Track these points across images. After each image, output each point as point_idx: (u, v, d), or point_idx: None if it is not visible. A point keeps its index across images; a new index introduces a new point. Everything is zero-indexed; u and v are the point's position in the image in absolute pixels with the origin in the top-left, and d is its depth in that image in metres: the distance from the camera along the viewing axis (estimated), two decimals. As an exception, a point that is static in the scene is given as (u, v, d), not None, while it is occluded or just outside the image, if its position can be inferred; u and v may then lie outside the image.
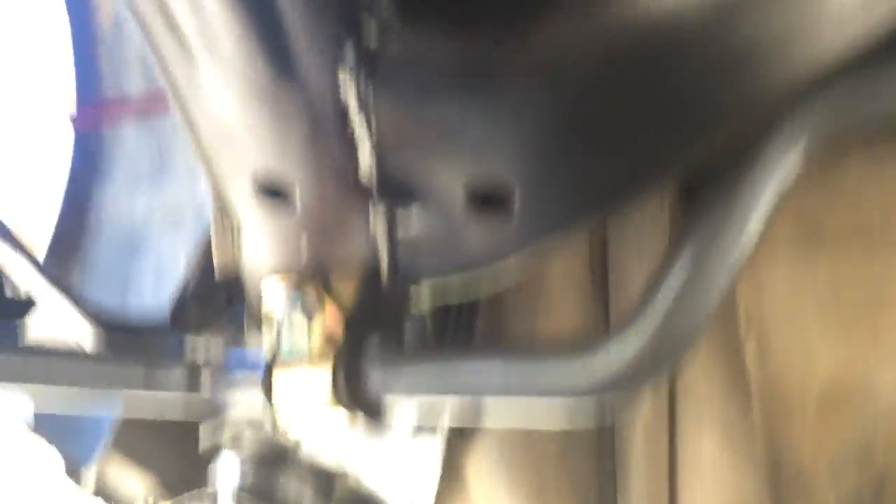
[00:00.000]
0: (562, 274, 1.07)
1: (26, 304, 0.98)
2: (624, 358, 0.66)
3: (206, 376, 0.89)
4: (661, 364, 0.66)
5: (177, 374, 0.90)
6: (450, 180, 0.65)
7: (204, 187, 1.85)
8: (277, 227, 0.76)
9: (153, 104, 1.76)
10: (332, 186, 0.69)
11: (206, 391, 0.90)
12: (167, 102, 1.57)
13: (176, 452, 1.39)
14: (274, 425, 0.85)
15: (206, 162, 0.76)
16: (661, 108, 0.58)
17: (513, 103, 0.58)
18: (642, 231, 1.00)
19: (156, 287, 1.85)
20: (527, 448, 1.00)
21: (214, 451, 1.20)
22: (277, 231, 0.77)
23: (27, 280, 0.97)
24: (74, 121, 1.89)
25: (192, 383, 0.89)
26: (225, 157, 0.73)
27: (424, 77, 0.58)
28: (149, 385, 0.90)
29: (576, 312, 0.98)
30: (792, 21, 0.53)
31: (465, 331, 0.93)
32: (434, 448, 1.05)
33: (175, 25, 0.62)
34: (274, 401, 0.85)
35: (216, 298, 1.02)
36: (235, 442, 1.19)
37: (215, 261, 1.31)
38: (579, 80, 0.56)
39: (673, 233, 0.91)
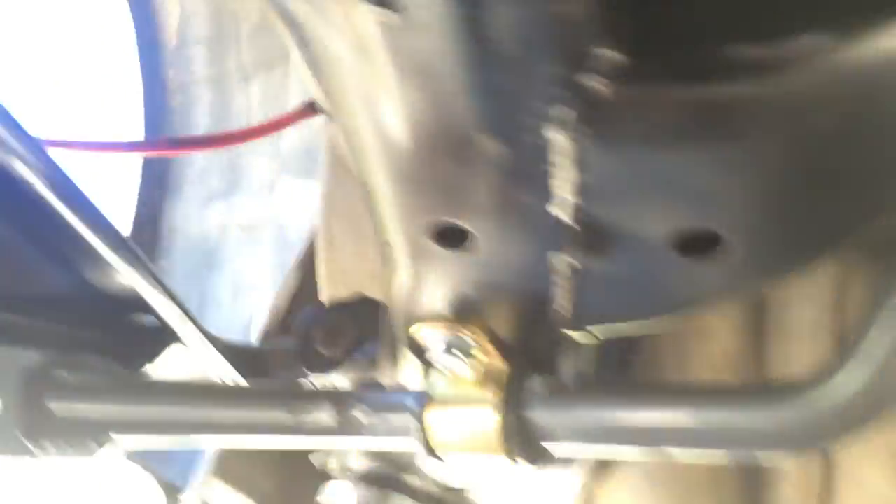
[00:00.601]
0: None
1: (161, 341, 0.95)
2: (849, 397, 0.62)
3: (355, 418, 0.87)
4: (890, 399, 0.62)
5: (323, 416, 0.87)
6: (653, 227, 0.61)
7: (279, 203, 1.84)
8: (448, 270, 0.73)
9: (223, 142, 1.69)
10: (516, 232, 0.66)
11: (355, 432, 0.87)
12: (236, 140, 1.53)
13: (279, 478, 1.37)
14: (429, 467, 0.82)
15: (374, 203, 0.73)
16: (891, 157, 0.55)
17: (744, 153, 0.54)
18: None
19: (234, 302, 1.83)
20: (675, 479, 0.97)
21: (323, 479, 1.18)
22: (447, 274, 0.74)
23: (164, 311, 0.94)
24: (143, 146, 1.86)
25: (341, 426, 0.87)
26: (397, 200, 0.69)
27: (647, 126, 0.54)
28: (295, 430, 0.87)
29: (730, 340, 0.94)
30: None
31: (622, 360, 0.90)
32: (573, 478, 1.02)
33: (368, 51, 0.57)
34: (431, 442, 0.82)
35: (345, 335, 0.99)
36: (344, 471, 1.17)
37: (325, 293, 1.28)
38: (817, 128, 0.52)
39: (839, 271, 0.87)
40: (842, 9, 0.50)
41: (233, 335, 1.78)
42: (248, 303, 1.80)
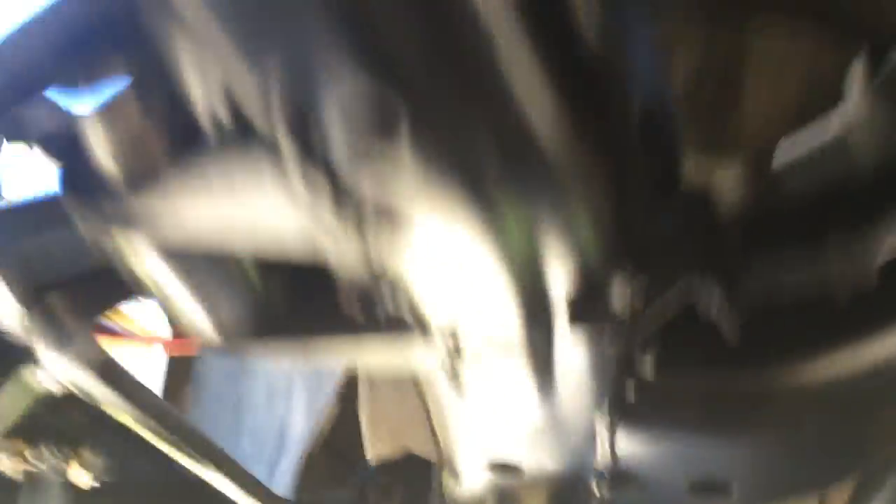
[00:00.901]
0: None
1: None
2: None
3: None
4: None
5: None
6: (673, 474, 0.77)
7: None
8: (496, 482, 0.88)
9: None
10: (557, 466, 0.81)
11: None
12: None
13: None
14: None
15: (443, 434, 0.88)
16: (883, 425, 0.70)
17: (750, 426, 0.70)
18: None
19: (268, 405, 1.96)
20: None
21: None
22: (495, 481, 0.89)
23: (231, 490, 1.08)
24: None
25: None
26: (462, 437, 0.85)
27: (669, 411, 0.70)
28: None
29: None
30: None
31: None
32: None
33: (456, 351, 0.72)
34: None
35: (396, 493, 1.13)
36: None
37: (368, 434, 1.41)
38: (817, 416, 0.68)
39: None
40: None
41: (267, 437, 1.90)
42: (282, 406, 1.92)
